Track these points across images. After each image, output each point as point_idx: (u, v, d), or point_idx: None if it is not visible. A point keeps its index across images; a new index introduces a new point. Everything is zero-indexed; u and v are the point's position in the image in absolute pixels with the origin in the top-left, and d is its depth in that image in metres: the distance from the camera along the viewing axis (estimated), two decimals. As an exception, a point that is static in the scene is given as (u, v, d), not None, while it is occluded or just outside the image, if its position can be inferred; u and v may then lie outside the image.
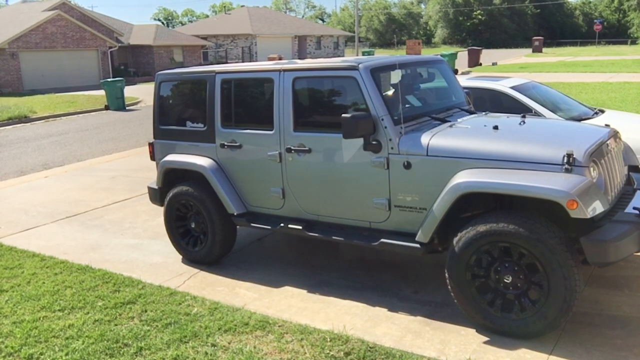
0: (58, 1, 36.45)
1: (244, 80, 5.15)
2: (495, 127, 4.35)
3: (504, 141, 4.04)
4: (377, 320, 4.36)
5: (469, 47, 37.16)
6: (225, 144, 5.24)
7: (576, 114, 7.22)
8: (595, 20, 66.29)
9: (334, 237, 4.69)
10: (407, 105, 4.79)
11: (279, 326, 4.28)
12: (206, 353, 3.96)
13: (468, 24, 77.75)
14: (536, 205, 3.80)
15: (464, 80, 7.80)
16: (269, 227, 5.09)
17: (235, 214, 5.24)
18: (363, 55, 42.01)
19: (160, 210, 7.59)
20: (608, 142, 4.24)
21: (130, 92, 25.76)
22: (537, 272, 3.73)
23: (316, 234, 4.81)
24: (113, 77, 29.34)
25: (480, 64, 33.34)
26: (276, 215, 5.12)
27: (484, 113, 5.28)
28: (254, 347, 3.99)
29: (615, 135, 4.51)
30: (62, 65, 33.39)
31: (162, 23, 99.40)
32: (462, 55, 36.27)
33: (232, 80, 5.18)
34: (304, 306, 4.66)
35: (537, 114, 6.86)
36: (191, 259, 5.67)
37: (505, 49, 62.20)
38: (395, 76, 4.86)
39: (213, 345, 4.06)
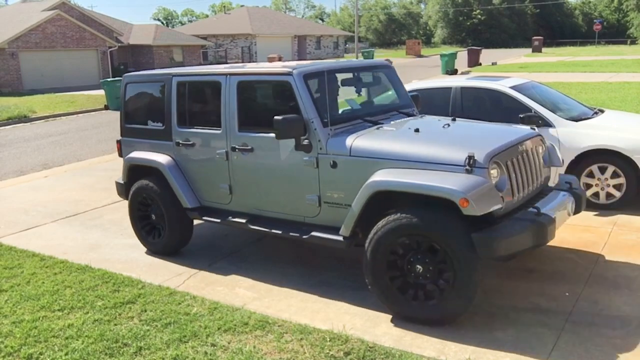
0: (58, 1, 36.42)
1: (196, 83, 5.50)
2: (417, 130, 4.63)
3: (418, 144, 4.36)
4: (377, 320, 4.35)
5: (469, 47, 37.12)
6: (181, 142, 5.58)
7: (576, 113, 7.22)
8: (594, 20, 66.23)
9: (273, 231, 5.00)
10: (345, 108, 5.22)
11: (279, 326, 4.28)
12: (206, 353, 3.95)
13: (468, 23, 77.67)
14: (446, 203, 3.98)
15: (464, 80, 7.81)
16: (219, 220, 5.42)
17: (189, 207, 5.56)
18: (362, 55, 41.92)
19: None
20: (523, 144, 4.50)
21: (130, 92, 25.72)
22: (442, 263, 4.02)
23: (258, 227, 5.13)
24: (113, 77, 29.32)
25: (480, 64, 33.32)
26: (225, 209, 5.45)
27: (420, 116, 5.58)
28: (254, 347, 3.99)
29: (534, 137, 4.76)
30: (61, 65, 33.35)
31: (162, 23, 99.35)
32: (462, 55, 36.24)
33: (186, 83, 5.52)
34: (303, 306, 4.66)
35: (537, 114, 6.87)
36: (151, 250, 5.99)
37: (504, 48, 62.15)
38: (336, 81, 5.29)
39: (213, 345, 4.06)
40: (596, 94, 16.71)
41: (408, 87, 8.09)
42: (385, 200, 4.30)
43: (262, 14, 60.69)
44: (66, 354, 4.03)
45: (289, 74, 4.74)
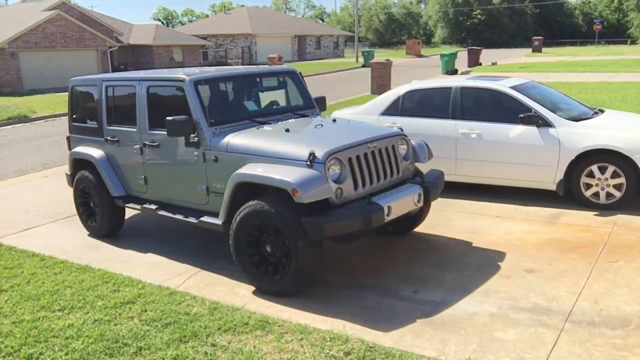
0: (58, 1, 36.45)
1: (118, 87, 6.29)
2: (287, 130, 5.29)
3: (278, 142, 5.01)
4: (377, 320, 4.36)
5: (469, 47, 37.08)
6: (109, 139, 6.37)
7: (576, 113, 7.22)
8: (595, 20, 66.19)
9: (176, 216, 5.71)
10: (234, 109, 5.91)
11: (279, 326, 4.28)
12: (206, 353, 3.96)
13: (468, 23, 77.61)
14: (286, 193, 4.60)
15: (464, 80, 7.81)
16: (138, 207, 6.15)
17: (116, 195, 6.32)
18: (362, 55, 41.98)
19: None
20: (374, 143, 5.06)
21: (130, 91, 25.72)
22: (284, 244, 4.67)
23: (165, 213, 5.84)
24: (113, 77, 29.28)
25: (480, 64, 33.30)
26: (143, 197, 6.22)
27: (314, 117, 6.16)
28: (254, 347, 3.99)
29: (393, 137, 5.32)
30: (62, 65, 33.34)
31: (162, 23, 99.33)
32: (462, 55, 36.23)
33: (112, 87, 6.32)
34: (304, 306, 4.66)
35: (537, 114, 6.87)
36: (90, 233, 6.76)
37: (505, 48, 62.09)
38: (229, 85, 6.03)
39: (213, 345, 4.06)
40: (596, 94, 16.71)
41: (408, 87, 8.11)
42: (255, 189, 4.88)
43: (262, 14, 60.69)
44: (66, 354, 4.03)
45: (182, 80, 5.46)
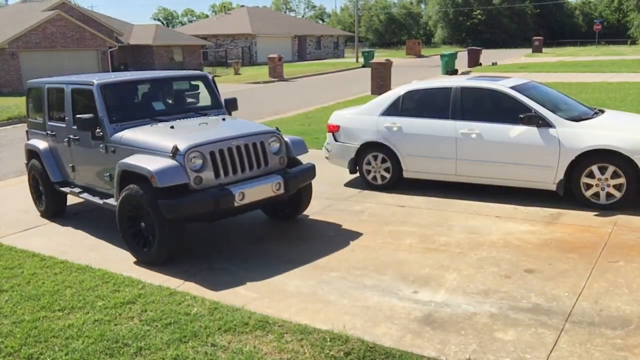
0: (58, 1, 36.44)
1: (53, 89, 7.27)
2: (172, 127, 6.21)
3: (157, 137, 5.89)
4: (377, 320, 4.36)
5: (469, 47, 37.09)
6: (49, 132, 7.37)
7: (576, 113, 7.22)
8: (595, 20, 66.22)
9: (91, 199, 6.68)
10: (138, 109, 6.78)
11: (279, 326, 4.28)
12: (206, 353, 3.96)
13: (468, 23, 77.59)
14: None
15: (464, 80, 7.81)
16: (68, 190, 7.14)
17: (54, 181, 7.30)
18: (363, 55, 42.04)
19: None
20: (239, 140, 5.88)
21: (130, 92, 25.71)
22: (151, 221, 5.56)
23: (85, 197, 6.82)
24: (113, 77, 29.28)
25: (480, 64, 33.30)
26: (73, 183, 7.19)
27: (206, 116, 6.91)
28: (254, 347, 3.99)
29: (264, 134, 6.13)
30: (62, 65, 33.30)
31: (162, 23, 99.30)
32: (462, 55, 36.22)
33: (52, 90, 7.30)
34: (304, 306, 4.66)
35: (537, 114, 6.87)
36: (40, 212, 7.78)
37: (505, 49, 62.08)
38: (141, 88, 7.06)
39: (213, 345, 4.06)
40: (596, 94, 16.72)
41: (408, 87, 8.11)
42: (137, 176, 5.66)
43: (262, 14, 60.70)
44: (66, 354, 4.03)
45: (92, 84, 6.43)
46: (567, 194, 6.81)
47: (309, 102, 20.06)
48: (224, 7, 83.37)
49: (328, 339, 4.03)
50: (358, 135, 8.12)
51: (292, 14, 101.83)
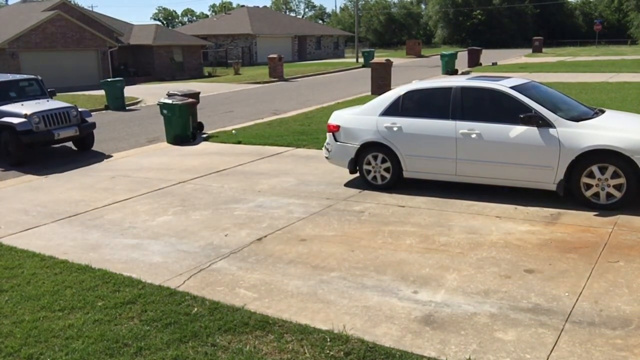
0: (58, 1, 36.41)
1: None
2: (22, 104, 11.86)
3: (16, 108, 11.72)
4: (377, 320, 4.36)
5: (469, 47, 37.09)
6: None
7: (576, 114, 7.22)
8: (595, 21, 66.20)
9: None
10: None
11: (279, 326, 4.28)
12: (206, 353, 3.96)
13: (468, 24, 77.53)
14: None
15: (464, 80, 7.81)
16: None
17: None
18: (363, 55, 42.00)
19: (160, 210, 7.58)
20: (55, 110, 11.81)
21: (130, 92, 25.74)
22: (14, 146, 11.54)
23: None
24: (113, 77, 29.26)
25: (480, 64, 33.30)
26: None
27: (41, 99, 12.87)
28: (254, 347, 3.99)
29: (69, 107, 12.23)
30: (62, 65, 33.31)
31: (162, 23, 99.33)
32: (462, 56, 36.23)
33: None
34: (304, 306, 4.66)
35: (538, 114, 6.87)
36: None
37: (505, 49, 62.05)
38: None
39: (213, 345, 4.06)
40: (596, 94, 16.72)
41: (408, 87, 8.11)
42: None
43: (262, 14, 60.67)
44: (66, 354, 4.03)
45: None
46: (567, 194, 6.81)
47: (309, 102, 20.06)
48: (224, 7, 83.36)
49: (328, 339, 4.03)
50: (358, 135, 8.12)
51: (292, 14, 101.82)
